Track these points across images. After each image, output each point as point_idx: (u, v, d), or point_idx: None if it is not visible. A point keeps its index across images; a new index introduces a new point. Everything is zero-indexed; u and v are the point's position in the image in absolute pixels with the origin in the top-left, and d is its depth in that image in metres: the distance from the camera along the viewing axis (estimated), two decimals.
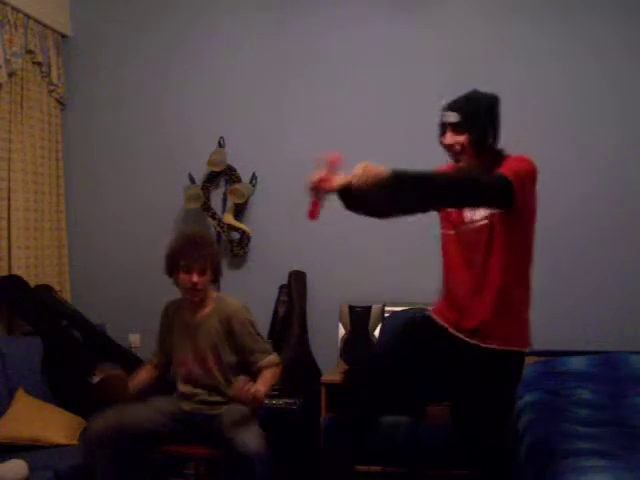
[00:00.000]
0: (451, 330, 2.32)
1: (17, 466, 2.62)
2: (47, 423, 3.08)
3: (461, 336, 2.29)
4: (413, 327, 2.55)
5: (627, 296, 3.59)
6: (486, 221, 2.26)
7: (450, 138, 2.27)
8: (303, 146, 3.91)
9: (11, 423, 3.02)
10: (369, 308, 3.59)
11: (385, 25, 3.82)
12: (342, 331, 3.63)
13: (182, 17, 4.07)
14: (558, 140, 3.65)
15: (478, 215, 2.28)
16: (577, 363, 3.33)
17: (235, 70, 4.01)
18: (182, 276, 2.75)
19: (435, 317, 2.40)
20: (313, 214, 2.11)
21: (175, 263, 2.77)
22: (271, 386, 2.79)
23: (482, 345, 2.25)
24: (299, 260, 3.88)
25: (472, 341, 2.27)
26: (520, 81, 3.69)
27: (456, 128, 2.25)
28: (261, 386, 2.65)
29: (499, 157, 2.27)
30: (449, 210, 2.35)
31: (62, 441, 3.04)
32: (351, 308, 3.62)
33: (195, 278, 2.73)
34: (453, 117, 2.25)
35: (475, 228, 2.28)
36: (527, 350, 2.32)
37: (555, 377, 3.26)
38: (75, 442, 3.07)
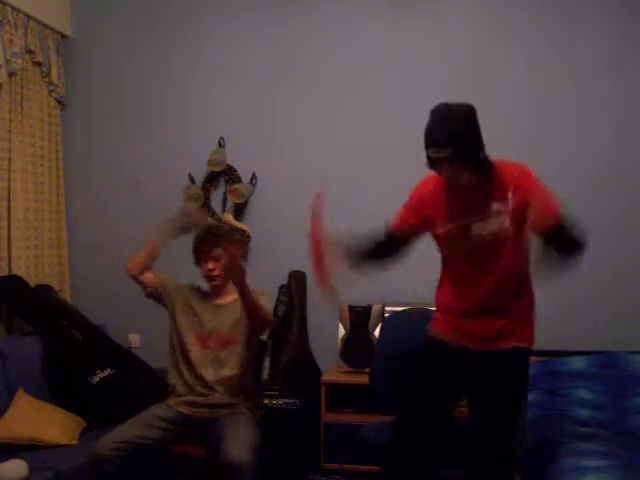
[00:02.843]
0: (464, 344, 2.33)
1: (17, 466, 2.62)
2: (47, 423, 3.08)
3: (476, 346, 2.31)
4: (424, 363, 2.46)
5: (627, 296, 3.58)
6: (499, 229, 2.22)
7: (448, 172, 2.15)
8: (303, 146, 3.92)
9: (11, 423, 3.01)
10: (369, 308, 3.59)
11: (384, 24, 3.81)
12: (342, 331, 3.63)
13: (182, 17, 4.07)
14: (559, 138, 3.65)
15: (488, 228, 2.23)
16: (577, 363, 3.33)
17: (235, 70, 4.01)
18: (202, 265, 2.91)
19: (438, 334, 2.41)
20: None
21: (197, 255, 2.93)
22: (250, 296, 2.77)
23: (497, 347, 2.28)
24: (299, 260, 3.87)
25: (487, 347, 2.29)
26: (520, 79, 3.69)
27: (451, 162, 2.12)
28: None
29: (488, 163, 2.22)
30: (449, 216, 2.30)
31: (62, 441, 3.03)
32: (351, 308, 3.61)
33: (210, 265, 2.87)
34: (445, 153, 2.09)
35: (486, 238, 2.25)
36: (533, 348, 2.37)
37: (555, 377, 3.26)
38: (75, 442, 3.07)
